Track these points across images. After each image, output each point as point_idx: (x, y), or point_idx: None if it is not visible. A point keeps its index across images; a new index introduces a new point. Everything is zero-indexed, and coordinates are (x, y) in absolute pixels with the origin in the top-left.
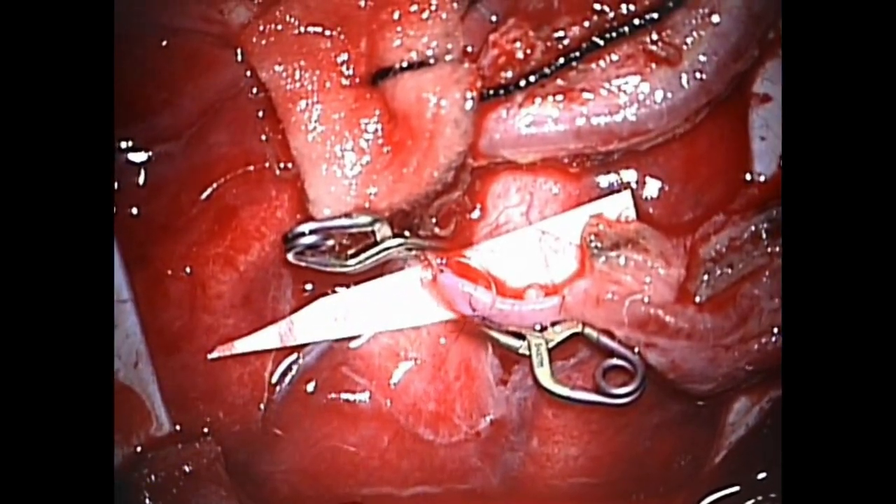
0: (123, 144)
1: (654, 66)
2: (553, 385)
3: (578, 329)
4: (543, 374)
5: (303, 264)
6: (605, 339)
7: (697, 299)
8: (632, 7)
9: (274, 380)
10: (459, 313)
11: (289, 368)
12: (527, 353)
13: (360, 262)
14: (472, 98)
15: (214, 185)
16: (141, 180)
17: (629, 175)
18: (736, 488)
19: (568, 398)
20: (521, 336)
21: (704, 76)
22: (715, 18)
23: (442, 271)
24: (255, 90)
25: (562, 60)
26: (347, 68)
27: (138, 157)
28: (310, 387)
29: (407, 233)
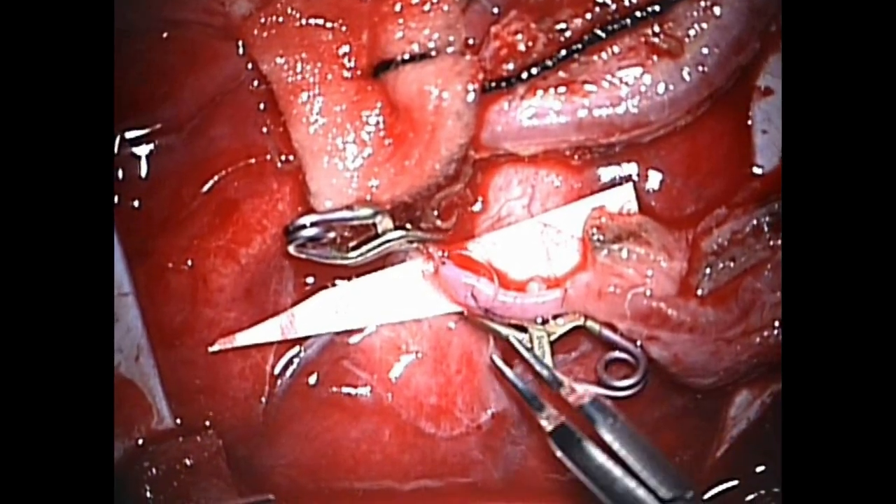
0: (124, 137)
1: (655, 58)
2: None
3: (580, 322)
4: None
5: (304, 257)
6: (606, 333)
7: (699, 292)
8: None
9: (275, 373)
10: (461, 305)
11: (290, 362)
12: (528, 346)
13: (361, 255)
14: (474, 90)
15: (216, 178)
16: (142, 173)
17: (631, 168)
18: (737, 482)
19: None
20: (522, 329)
21: (706, 69)
22: (717, 11)
23: (444, 263)
24: (256, 82)
25: (563, 52)
26: (349, 60)
27: (139, 149)
28: (311, 380)
29: (408, 225)
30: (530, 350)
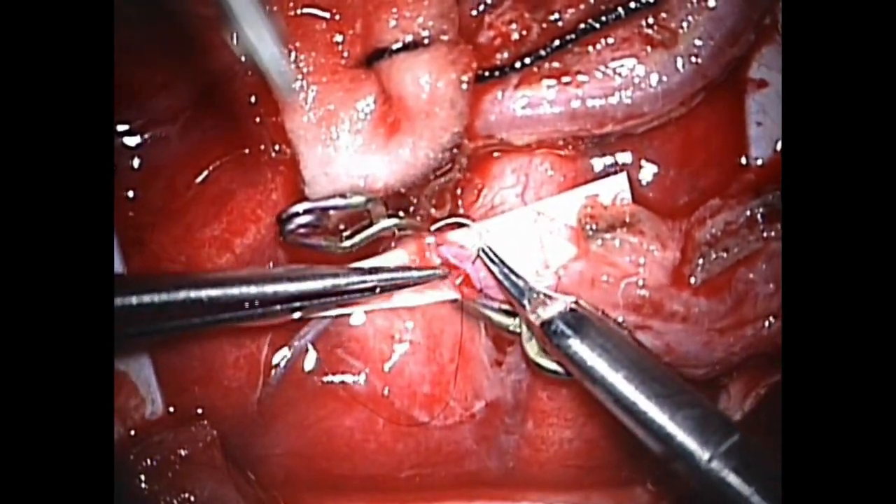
0: (119, 128)
1: (649, 49)
2: (540, 359)
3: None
4: (532, 348)
5: (298, 244)
6: None
7: (692, 282)
8: None
9: (270, 362)
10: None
11: (284, 351)
12: (518, 329)
13: (354, 244)
14: (468, 79)
15: (210, 169)
16: (137, 164)
17: (625, 158)
18: None
19: (554, 372)
20: (513, 314)
21: (700, 60)
22: (711, 3)
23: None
24: (250, 73)
25: (557, 42)
26: (343, 49)
27: (134, 140)
28: (305, 369)
29: (402, 213)
30: (501, 262)
